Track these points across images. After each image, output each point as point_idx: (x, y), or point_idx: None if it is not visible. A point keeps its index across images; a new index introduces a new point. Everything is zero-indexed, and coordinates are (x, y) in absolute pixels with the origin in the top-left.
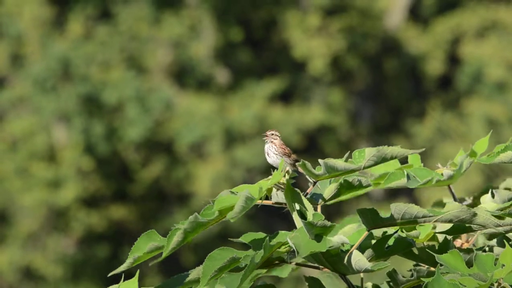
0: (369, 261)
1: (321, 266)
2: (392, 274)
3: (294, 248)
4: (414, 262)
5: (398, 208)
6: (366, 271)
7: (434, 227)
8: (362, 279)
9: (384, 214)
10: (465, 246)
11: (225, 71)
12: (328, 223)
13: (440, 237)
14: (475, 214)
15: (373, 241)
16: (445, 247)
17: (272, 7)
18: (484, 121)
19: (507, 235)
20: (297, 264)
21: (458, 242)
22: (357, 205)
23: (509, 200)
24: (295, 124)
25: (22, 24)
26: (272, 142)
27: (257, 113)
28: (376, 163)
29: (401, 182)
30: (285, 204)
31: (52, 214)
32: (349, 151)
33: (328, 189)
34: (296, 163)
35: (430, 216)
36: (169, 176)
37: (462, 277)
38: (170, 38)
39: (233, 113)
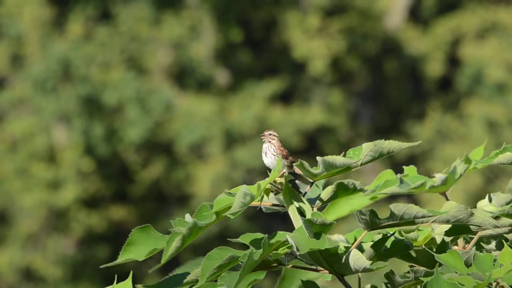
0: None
1: (319, 268)
2: (390, 275)
3: (293, 245)
4: (411, 264)
5: (398, 208)
6: (365, 270)
7: (432, 230)
8: (359, 279)
9: (383, 215)
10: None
11: (225, 72)
12: (328, 221)
13: (438, 241)
14: (472, 214)
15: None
16: (443, 249)
17: (272, 8)
18: (484, 122)
19: (505, 235)
20: (294, 266)
21: (456, 248)
22: None
23: (506, 204)
24: (295, 125)
25: (22, 24)
26: (270, 142)
27: (257, 114)
28: (373, 159)
29: (395, 188)
30: (283, 206)
31: (52, 214)
32: (343, 152)
33: (324, 192)
34: (293, 164)
35: (429, 216)
36: (169, 177)
37: (460, 276)
38: (170, 39)
39: (233, 114)
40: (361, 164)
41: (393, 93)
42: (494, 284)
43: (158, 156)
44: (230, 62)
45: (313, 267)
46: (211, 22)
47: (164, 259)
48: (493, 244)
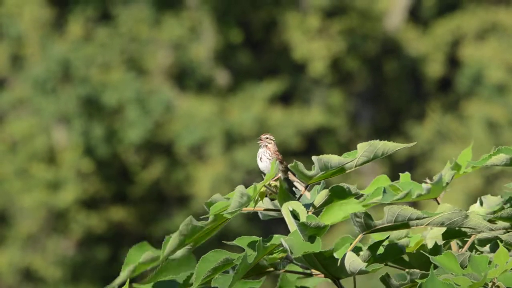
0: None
1: (314, 271)
2: (385, 279)
3: (287, 248)
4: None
5: (392, 210)
6: (360, 272)
7: (423, 236)
8: (354, 281)
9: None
10: None
11: (225, 73)
12: (322, 224)
13: (430, 246)
14: (467, 216)
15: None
16: (436, 252)
17: (272, 9)
18: (484, 123)
19: (500, 236)
20: (288, 271)
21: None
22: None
23: (497, 206)
24: (295, 126)
25: (22, 25)
26: (266, 146)
27: (257, 115)
28: (369, 159)
29: (380, 198)
30: (279, 210)
31: (51, 215)
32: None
33: (319, 196)
34: (289, 165)
35: (423, 218)
36: (169, 178)
37: (456, 277)
38: (170, 40)
39: (233, 115)
40: (356, 165)
41: (393, 94)
42: (490, 284)
43: (158, 157)
44: (230, 63)
45: (308, 271)
46: (211, 23)
47: (161, 257)
48: (487, 247)
